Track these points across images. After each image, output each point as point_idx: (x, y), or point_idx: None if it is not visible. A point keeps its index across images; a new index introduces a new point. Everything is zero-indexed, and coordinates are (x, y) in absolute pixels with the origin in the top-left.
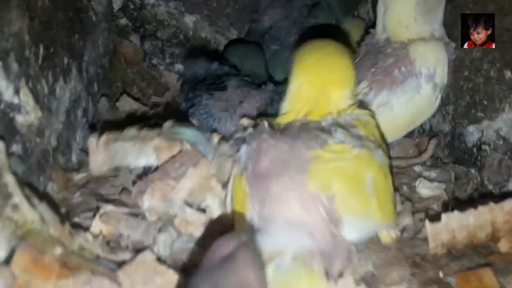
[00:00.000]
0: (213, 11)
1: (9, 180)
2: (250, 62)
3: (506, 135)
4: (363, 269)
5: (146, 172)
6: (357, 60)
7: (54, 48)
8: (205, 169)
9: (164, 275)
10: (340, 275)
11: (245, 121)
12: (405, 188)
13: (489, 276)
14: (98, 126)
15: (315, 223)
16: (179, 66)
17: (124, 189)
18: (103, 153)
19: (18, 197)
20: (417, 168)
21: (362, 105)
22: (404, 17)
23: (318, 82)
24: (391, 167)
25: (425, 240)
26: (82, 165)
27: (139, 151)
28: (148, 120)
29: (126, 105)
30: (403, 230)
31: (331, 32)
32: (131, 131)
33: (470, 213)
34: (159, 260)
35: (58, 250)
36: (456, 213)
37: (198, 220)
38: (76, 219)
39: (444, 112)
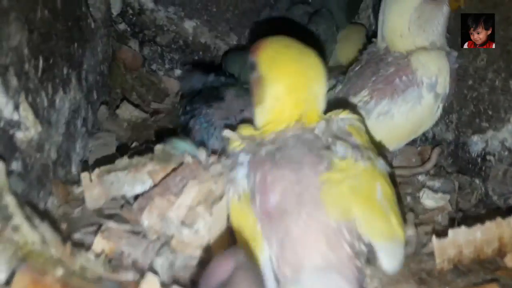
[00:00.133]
0: (212, 16)
1: (10, 201)
2: None
3: (511, 146)
4: (370, 287)
5: None
6: (358, 67)
7: (53, 59)
8: (206, 184)
9: None
10: None
11: (228, 134)
12: (409, 198)
13: None
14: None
15: (343, 261)
16: (178, 72)
17: (126, 203)
18: (97, 187)
19: (18, 218)
20: (420, 178)
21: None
22: (399, 27)
23: (301, 83)
24: (393, 176)
25: (431, 255)
26: None
27: (134, 179)
28: (149, 129)
29: (126, 112)
30: (406, 243)
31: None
32: (123, 161)
33: (477, 228)
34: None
35: (60, 271)
36: (463, 228)
37: (195, 241)
38: (77, 235)
39: (447, 121)
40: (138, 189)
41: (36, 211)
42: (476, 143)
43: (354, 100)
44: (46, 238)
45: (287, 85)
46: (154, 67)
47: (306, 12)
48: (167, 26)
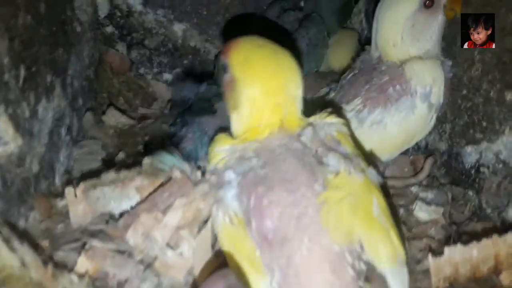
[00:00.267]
0: (203, 20)
1: None
2: None
3: (506, 159)
4: None
5: None
6: (351, 75)
7: (36, 66)
8: (194, 204)
9: None
10: None
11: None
12: (401, 211)
13: None
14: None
15: (348, 285)
16: (167, 76)
17: (111, 218)
18: (83, 203)
19: None
20: (413, 189)
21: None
22: (392, 36)
23: (278, 85)
24: (386, 187)
25: (426, 272)
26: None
27: (121, 195)
28: (136, 136)
29: (113, 118)
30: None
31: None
32: (110, 175)
33: (474, 246)
34: None
35: None
36: (459, 247)
37: (179, 264)
38: (59, 253)
39: (440, 130)
40: (125, 205)
41: (15, 231)
42: (470, 154)
43: (347, 108)
44: (26, 261)
45: (264, 87)
46: (142, 71)
47: (297, 18)
48: (156, 29)
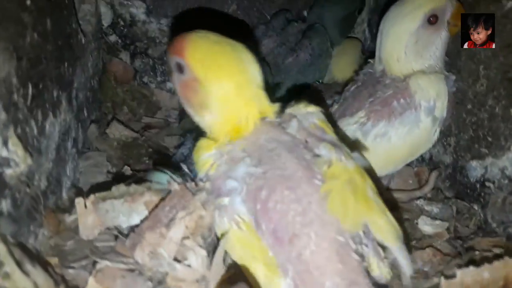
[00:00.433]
0: (206, 29)
1: (0, 248)
2: None
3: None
4: None
5: None
6: (354, 87)
7: (43, 83)
8: (195, 213)
9: None
10: None
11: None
12: (406, 224)
13: None
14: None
15: (356, 271)
16: (170, 84)
17: (120, 233)
18: (92, 214)
19: (9, 266)
20: (418, 202)
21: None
22: (396, 51)
23: (246, 79)
24: (393, 199)
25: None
26: (73, 203)
27: (130, 209)
28: (139, 148)
29: (116, 132)
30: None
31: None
32: (120, 188)
33: (485, 268)
34: None
35: None
36: (471, 269)
37: (189, 276)
38: (70, 271)
39: (445, 143)
40: (134, 220)
41: (26, 252)
42: (475, 168)
43: (351, 120)
44: (39, 284)
45: (234, 84)
46: (145, 79)
47: (301, 30)
48: (159, 38)
